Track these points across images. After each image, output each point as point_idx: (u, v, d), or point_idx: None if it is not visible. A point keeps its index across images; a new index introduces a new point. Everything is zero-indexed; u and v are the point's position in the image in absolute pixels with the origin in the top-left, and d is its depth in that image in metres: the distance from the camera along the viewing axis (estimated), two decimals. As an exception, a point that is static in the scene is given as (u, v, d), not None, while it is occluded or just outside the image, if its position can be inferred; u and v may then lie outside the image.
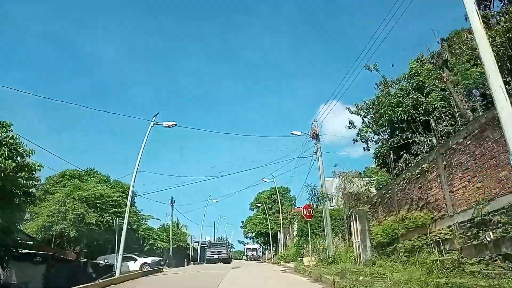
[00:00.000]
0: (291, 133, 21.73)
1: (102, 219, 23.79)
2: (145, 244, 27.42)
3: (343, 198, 20.82)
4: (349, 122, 20.48)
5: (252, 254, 78.98)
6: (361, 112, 19.62)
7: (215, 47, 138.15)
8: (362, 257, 14.83)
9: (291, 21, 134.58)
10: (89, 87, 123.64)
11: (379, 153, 17.50)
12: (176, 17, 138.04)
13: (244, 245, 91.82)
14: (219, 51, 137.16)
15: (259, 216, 62.18)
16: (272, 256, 55.33)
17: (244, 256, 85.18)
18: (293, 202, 75.55)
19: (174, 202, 34.96)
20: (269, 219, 50.85)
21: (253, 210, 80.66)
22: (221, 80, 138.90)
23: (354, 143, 20.50)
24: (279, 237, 51.09)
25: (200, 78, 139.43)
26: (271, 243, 48.72)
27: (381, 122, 17.13)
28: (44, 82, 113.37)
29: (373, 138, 19.89)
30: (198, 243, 47.04)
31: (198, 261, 35.98)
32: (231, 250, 42.38)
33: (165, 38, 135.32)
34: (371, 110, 18.95)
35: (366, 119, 19.40)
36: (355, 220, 15.72)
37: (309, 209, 18.72)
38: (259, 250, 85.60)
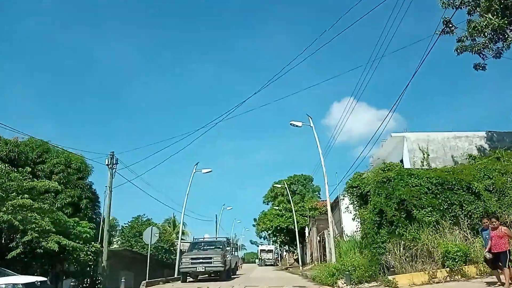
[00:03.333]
0: None
1: None
2: (12, 244, 11.48)
3: None
4: (444, 23, 13.23)
5: (268, 258, 62.54)
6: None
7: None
8: None
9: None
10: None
11: None
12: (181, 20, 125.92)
13: (258, 246, 75.68)
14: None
15: (277, 208, 45.51)
16: (298, 261, 38.63)
17: (257, 260, 68.77)
18: (316, 193, 59.52)
19: (116, 162, 18.11)
20: (294, 209, 34.26)
21: (267, 204, 64.77)
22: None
23: (457, 54, 14.91)
24: (310, 234, 34.55)
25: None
26: (297, 242, 32.20)
27: None
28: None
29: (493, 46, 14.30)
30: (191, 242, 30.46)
31: (176, 274, 19.63)
32: (234, 254, 25.66)
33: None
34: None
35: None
36: None
37: None
38: (275, 252, 69.17)
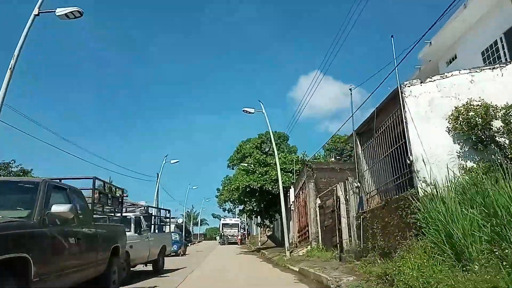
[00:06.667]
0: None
1: None
2: None
3: None
4: None
5: (233, 234, 49.87)
6: None
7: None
8: None
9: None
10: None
11: None
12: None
13: (220, 219, 62.86)
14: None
15: (245, 164, 31.83)
16: (272, 238, 25.87)
17: (218, 238, 55.83)
18: (293, 154, 47.19)
19: None
20: (276, 153, 20.77)
21: (233, 168, 51.54)
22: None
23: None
24: (299, 197, 21.25)
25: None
26: (282, 205, 18.68)
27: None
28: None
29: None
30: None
31: None
32: (153, 229, 11.51)
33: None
34: None
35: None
36: None
37: None
38: (242, 226, 56.55)
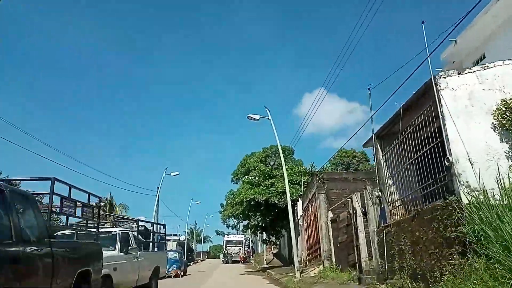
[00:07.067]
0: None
1: None
2: None
3: None
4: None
5: (236, 252, 47.75)
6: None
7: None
8: None
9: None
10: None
11: None
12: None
13: (223, 236, 60.71)
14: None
15: (250, 178, 30.14)
16: (279, 256, 24.08)
17: (222, 256, 53.67)
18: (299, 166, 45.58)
19: None
20: (283, 164, 19.23)
21: (237, 183, 49.86)
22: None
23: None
24: (307, 211, 19.56)
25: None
26: (291, 219, 17.00)
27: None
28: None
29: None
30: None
31: None
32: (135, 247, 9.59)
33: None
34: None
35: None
36: None
37: None
38: (246, 244, 54.39)
